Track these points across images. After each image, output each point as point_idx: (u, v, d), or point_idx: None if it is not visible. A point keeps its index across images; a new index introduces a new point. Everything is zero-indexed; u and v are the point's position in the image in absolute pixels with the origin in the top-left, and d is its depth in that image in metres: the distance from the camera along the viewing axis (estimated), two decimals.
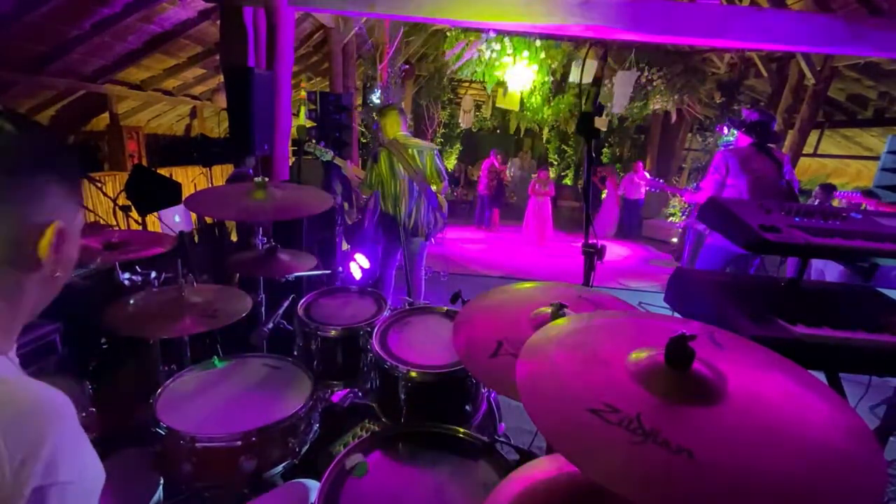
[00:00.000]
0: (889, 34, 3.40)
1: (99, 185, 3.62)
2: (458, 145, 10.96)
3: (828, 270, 3.95)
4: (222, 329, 1.51)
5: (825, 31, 3.43)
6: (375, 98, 6.40)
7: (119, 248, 1.87)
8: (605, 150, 10.58)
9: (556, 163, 11.95)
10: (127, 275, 1.90)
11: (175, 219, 4.24)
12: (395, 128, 3.15)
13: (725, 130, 5.93)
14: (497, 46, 6.56)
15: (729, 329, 0.87)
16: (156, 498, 1.31)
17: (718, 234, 1.68)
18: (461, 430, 1.22)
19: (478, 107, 10.55)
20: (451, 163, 10.74)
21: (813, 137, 6.72)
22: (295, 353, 1.85)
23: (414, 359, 1.45)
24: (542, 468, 0.89)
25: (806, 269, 1.47)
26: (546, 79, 7.19)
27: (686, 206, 7.23)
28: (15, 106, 4.54)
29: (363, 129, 6.87)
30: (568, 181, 11.86)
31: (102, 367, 2.03)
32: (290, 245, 2.14)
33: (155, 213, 3.37)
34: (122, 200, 3.14)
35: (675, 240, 7.77)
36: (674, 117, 8.55)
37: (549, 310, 1.05)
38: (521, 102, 7.82)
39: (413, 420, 1.41)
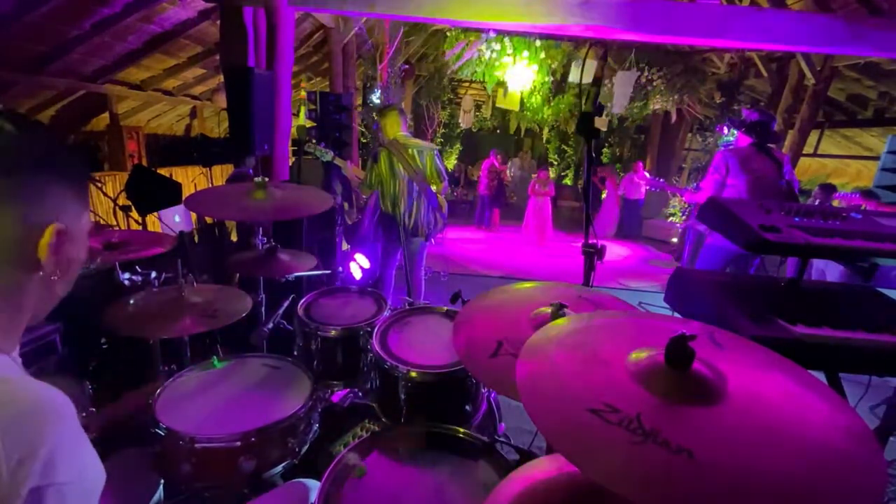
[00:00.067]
0: (889, 34, 3.40)
1: (99, 185, 3.63)
2: (458, 145, 10.96)
3: (828, 270, 3.95)
4: (222, 329, 1.51)
5: (825, 31, 3.43)
6: (375, 98, 6.41)
7: (119, 248, 1.87)
8: (605, 150, 10.58)
9: (556, 163, 11.95)
10: (127, 275, 1.90)
11: (175, 219, 4.24)
12: (396, 128, 3.15)
13: (725, 130, 5.93)
14: (497, 46, 6.56)
15: (729, 329, 0.87)
16: (156, 498, 1.31)
17: (718, 234, 1.68)
18: (461, 430, 1.22)
19: (478, 107, 10.55)
20: (451, 163, 10.74)
21: (813, 137, 6.72)
22: (295, 353, 1.85)
23: (414, 359, 1.45)
24: (542, 468, 0.89)
25: (806, 269, 1.47)
26: (546, 79, 7.19)
27: (686, 206, 7.23)
28: (15, 106, 4.54)
29: (363, 129, 6.87)
30: (568, 181, 11.86)
31: (102, 367, 2.03)
32: (290, 245, 2.14)
33: (155, 213, 3.37)
34: (122, 200, 3.14)
35: (675, 240, 7.77)
36: (674, 117, 8.55)
37: (549, 310, 1.05)
38: (521, 102, 7.82)
39: (413, 420, 1.41)
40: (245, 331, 1.79)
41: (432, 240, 3.43)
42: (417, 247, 3.34)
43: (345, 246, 4.18)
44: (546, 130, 11.37)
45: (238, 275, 2.58)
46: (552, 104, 7.89)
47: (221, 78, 6.21)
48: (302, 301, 1.91)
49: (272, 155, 3.43)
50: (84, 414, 1.18)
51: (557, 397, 0.68)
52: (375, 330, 1.61)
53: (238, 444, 1.21)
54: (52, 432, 0.48)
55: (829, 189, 4.74)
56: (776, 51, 5.71)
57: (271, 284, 2.11)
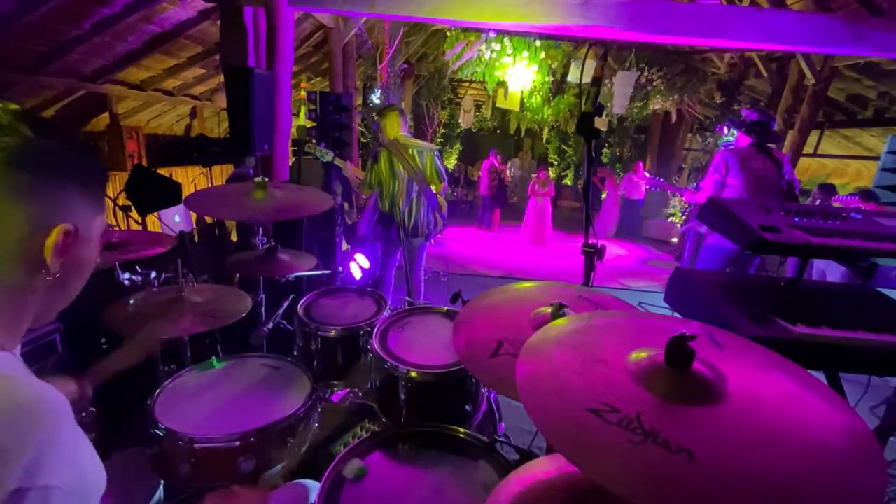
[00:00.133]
0: (889, 34, 3.40)
1: None
2: (458, 145, 10.96)
3: (829, 271, 3.95)
4: (222, 329, 1.51)
5: (825, 31, 3.43)
6: (375, 98, 6.41)
7: (119, 248, 1.87)
8: (605, 150, 10.58)
9: (556, 163, 11.95)
10: (127, 275, 1.90)
11: (175, 219, 4.24)
12: (396, 128, 3.15)
13: (725, 130, 5.93)
14: (497, 46, 6.56)
15: (729, 329, 0.87)
16: (156, 498, 1.31)
17: (718, 234, 1.68)
18: (461, 430, 1.22)
19: (478, 107, 10.55)
20: (451, 163, 10.74)
21: (813, 137, 6.72)
22: (295, 353, 1.85)
23: (414, 359, 1.45)
24: (542, 468, 0.89)
25: (807, 269, 1.47)
26: (546, 79, 7.19)
27: (686, 205, 7.23)
28: None
29: (363, 129, 6.87)
30: (568, 181, 11.86)
31: None
32: (290, 245, 2.14)
33: (155, 213, 3.37)
34: (122, 200, 3.14)
35: (675, 240, 7.77)
36: (674, 117, 8.55)
37: (549, 310, 1.05)
38: (521, 102, 7.83)
39: (413, 420, 1.41)
40: (245, 331, 1.78)
41: (432, 240, 3.43)
42: (417, 247, 3.34)
43: (345, 246, 4.18)
44: (546, 130, 11.36)
45: (238, 275, 2.58)
46: (552, 104, 7.89)
47: (221, 78, 6.21)
48: (302, 301, 1.91)
49: (272, 155, 3.43)
50: (84, 414, 1.18)
51: (557, 397, 0.68)
52: (375, 330, 1.61)
53: (237, 444, 1.21)
54: (40, 434, 0.47)
55: (828, 189, 4.73)
56: (776, 51, 5.71)
57: (271, 284, 2.11)
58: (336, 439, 1.60)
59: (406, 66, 7.56)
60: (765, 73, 6.37)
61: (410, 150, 3.10)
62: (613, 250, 7.82)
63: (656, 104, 7.37)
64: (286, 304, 1.98)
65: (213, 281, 2.67)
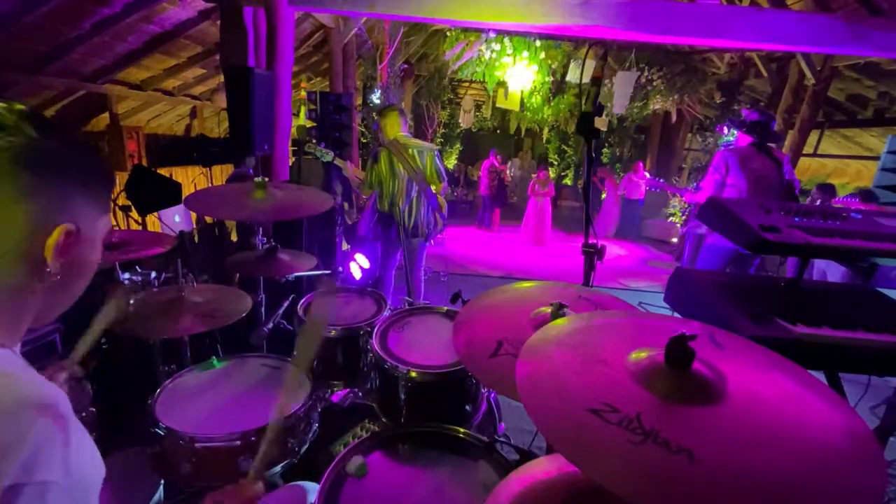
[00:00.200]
0: (889, 34, 3.40)
1: None
2: (458, 145, 10.96)
3: (830, 271, 3.95)
4: (222, 329, 1.51)
5: (825, 31, 3.43)
6: (375, 98, 6.41)
7: (119, 248, 1.87)
8: (605, 150, 10.58)
9: (556, 163, 11.95)
10: (127, 275, 1.90)
11: (175, 219, 4.24)
12: (396, 128, 3.15)
13: (725, 130, 5.93)
14: (497, 47, 6.56)
15: (729, 329, 0.87)
16: (156, 498, 1.31)
17: (718, 234, 1.68)
18: (461, 430, 1.22)
19: (478, 107, 10.55)
20: (451, 163, 10.74)
21: (813, 137, 6.72)
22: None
23: (414, 359, 1.45)
24: (542, 468, 0.89)
25: (807, 269, 1.47)
26: (546, 79, 7.19)
27: (686, 206, 7.23)
28: None
29: (363, 130, 6.87)
30: (568, 181, 11.86)
31: (102, 367, 2.03)
32: (290, 245, 2.14)
33: (155, 213, 3.38)
34: (122, 200, 3.14)
35: (675, 240, 7.77)
36: (674, 117, 8.55)
37: (549, 310, 1.05)
38: (522, 102, 7.83)
39: (413, 420, 1.41)
40: (245, 331, 1.79)
41: (432, 240, 3.43)
42: (417, 247, 3.34)
43: (345, 246, 4.18)
44: (546, 130, 11.37)
45: (238, 275, 2.58)
46: (552, 104, 7.89)
47: (221, 78, 6.21)
48: (302, 301, 1.91)
49: (272, 155, 3.43)
50: (84, 414, 1.18)
51: (557, 397, 0.68)
52: (375, 330, 1.61)
53: (238, 443, 1.21)
54: (39, 430, 0.48)
55: (827, 189, 4.72)
56: (776, 51, 5.71)
57: (271, 284, 2.11)
58: (336, 439, 1.60)
59: (406, 66, 7.56)
60: (765, 73, 6.37)
61: (410, 150, 3.10)
62: (613, 250, 7.82)
63: (656, 104, 7.37)
64: (286, 304, 1.98)
65: (213, 281, 2.67)
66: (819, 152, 7.42)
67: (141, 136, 6.35)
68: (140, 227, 3.31)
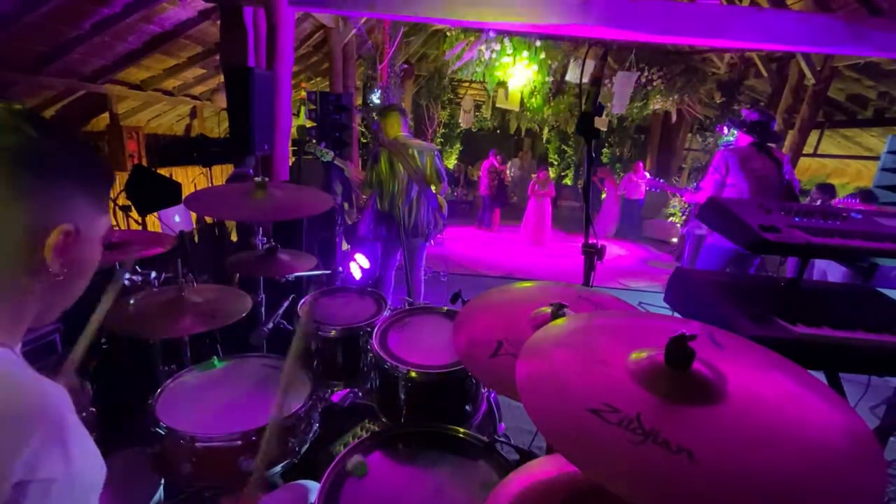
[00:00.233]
0: (889, 34, 3.40)
1: None
2: (458, 145, 10.96)
3: (830, 271, 3.95)
4: (222, 329, 1.51)
5: (825, 31, 3.43)
6: (375, 98, 6.40)
7: (119, 248, 1.87)
8: (605, 150, 10.58)
9: (556, 163, 11.95)
10: (127, 275, 1.90)
11: (175, 219, 4.24)
12: (396, 128, 3.15)
13: (725, 130, 5.94)
14: (497, 47, 6.56)
15: (729, 329, 0.87)
16: (156, 498, 1.31)
17: (718, 234, 1.68)
18: (461, 430, 1.22)
19: (478, 107, 10.55)
20: (451, 163, 10.74)
21: (813, 137, 6.72)
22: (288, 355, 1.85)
23: (414, 359, 1.45)
24: (542, 468, 0.89)
25: (808, 269, 1.47)
26: (546, 79, 7.19)
27: (686, 206, 7.22)
28: None
29: (363, 130, 6.87)
30: (568, 181, 11.86)
31: (102, 367, 2.03)
32: (290, 245, 2.14)
33: (155, 213, 3.38)
34: (122, 200, 3.14)
35: (675, 240, 7.77)
36: (674, 117, 8.55)
37: (549, 310, 1.05)
38: (522, 102, 7.82)
39: (413, 420, 1.41)
40: (245, 331, 1.79)
41: (432, 240, 3.43)
42: (417, 247, 3.34)
43: (345, 246, 4.18)
44: (546, 130, 11.36)
45: (238, 275, 2.58)
46: (552, 104, 7.89)
47: (221, 78, 6.21)
48: (302, 301, 1.91)
49: (272, 155, 3.43)
50: (84, 414, 1.18)
51: (557, 397, 0.68)
52: (375, 330, 1.61)
53: (238, 443, 1.21)
54: (42, 428, 0.48)
55: (826, 189, 4.72)
56: (776, 51, 5.71)
57: (271, 284, 2.11)
58: (336, 439, 1.60)
59: (406, 66, 7.55)
60: (765, 73, 6.37)
61: (410, 151, 3.10)
62: (613, 250, 7.82)
63: (656, 104, 7.37)
64: (286, 304, 1.98)
65: (213, 281, 2.67)
66: (819, 152, 7.42)
67: (141, 136, 6.36)
68: (140, 227, 3.31)
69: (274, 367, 1.56)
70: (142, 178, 3.01)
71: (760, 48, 5.67)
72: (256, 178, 1.77)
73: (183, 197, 2.52)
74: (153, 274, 1.91)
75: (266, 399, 1.39)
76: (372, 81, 6.48)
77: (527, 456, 1.25)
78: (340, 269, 2.83)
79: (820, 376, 0.83)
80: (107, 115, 6.01)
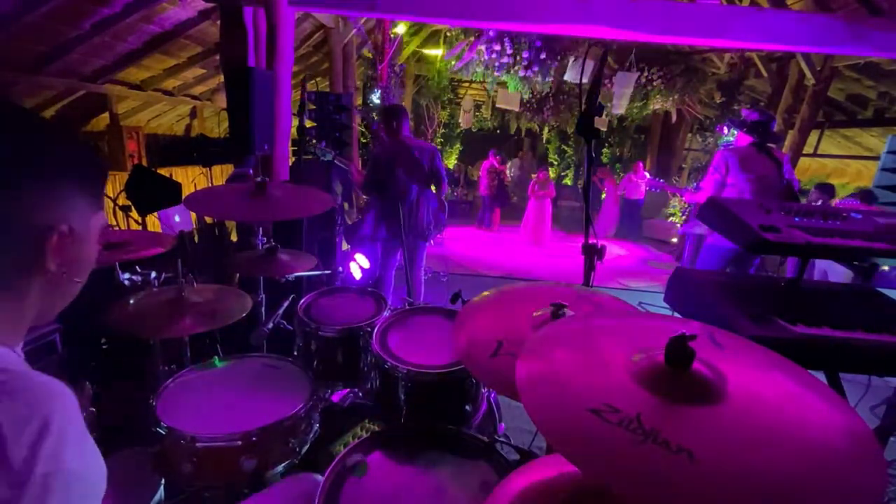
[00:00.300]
0: (889, 34, 3.41)
1: None
2: (458, 145, 10.95)
3: (831, 271, 3.95)
4: (222, 329, 1.51)
5: (825, 31, 3.43)
6: (375, 98, 6.40)
7: (119, 248, 1.87)
8: (605, 150, 10.58)
9: (556, 163, 11.94)
10: (127, 275, 1.90)
11: (175, 219, 4.24)
12: (396, 128, 3.15)
13: (725, 130, 5.94)
14: (497, 47, 6.55)
15: (729, 329, 0.87)
16: (156, 498, 1.31)
17: (718, 234, 1.68)
18: (461, 430, 1.22)
19: (477, 107, 10.54)
20: (451, 163, 10.74)
21: (813, 137, 6.72)
22: (295, 353, 1.85)
23: (414, 359, 1.45)
24: (542, 468, 0.89)
25: (808, 269, 1.47)
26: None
27: (686, 206, 7.23)
28: None
29: (363, 130, 6.87)
30: (568, 181, 11.86)
31: (102, 367, 2.03)
32: (290, 245, 2.13)
33: (155, 213, 3.37)
34: (122, 200, 3.14)
35: (675, 240, 7.77)
36: (674, 117, 8.55)
37: (549, 310, 1.05)
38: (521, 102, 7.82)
39: (413, 420, 1.41)
40: (245, 331, 1.79)
41: (432, 240, 3.43)
42: (417, 247, 3.34)
43: (345, 246, 4.18)
44: (546, 130, 11.35)
45: (238, 275, 2.58)
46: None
47: (221, 78, 6.21)
48: (302, 301, 1.91)
49: (272, 155, 3.43)
50: (84, 414, 1.18)
51: (557, 397, 0.68)
52: (375, 330, 1.60)
53: (239, 443, 1.21)
54: (59, 420, 0.49)
55: (826, 189, 4.72)
56: (776, 51, 5.72)
57: (271, 284, 2.11)
58: (336, 439, 1.60)
59: (406, 66, 7.55)
60: (765, 73, 6.38)
61: (411, 151, 3.10)
62: (613, 250, 7.82)
63: (656, 104, 7.37)
64: (286, 304, 1.98)
65: (213, 281, 2.67)
66: (819, 152, 7.43)
67: (141, 136, 6.36)
68: (140, 227, 3.31)
69: (274, 367, 1.56)
70: (142, 178, 3.01)
71: (760, 48, 5.67)
72: (256, 178, 1.77)
73: (183, 197, 2.52)
74: (153, 274, 1.91)
75: (266, 399, 1.39)
76: (372, 81, 6.48)
77: (527, 456, 1.25)
78: (340, 269, 2.83)
79: (820, 376, 0.83)
80: (107, 115, 6.02)
